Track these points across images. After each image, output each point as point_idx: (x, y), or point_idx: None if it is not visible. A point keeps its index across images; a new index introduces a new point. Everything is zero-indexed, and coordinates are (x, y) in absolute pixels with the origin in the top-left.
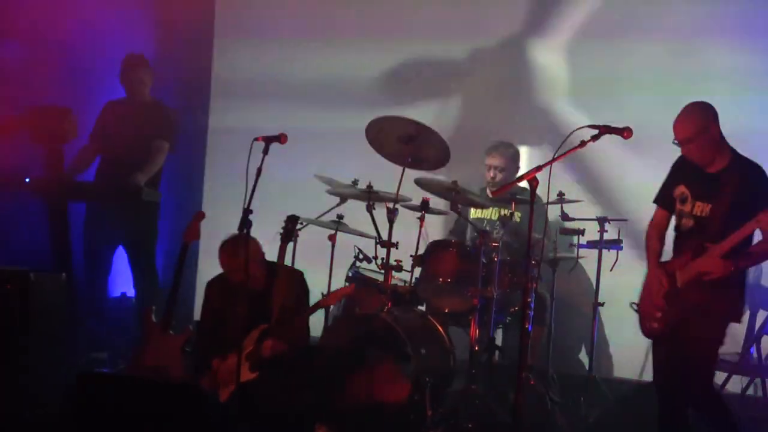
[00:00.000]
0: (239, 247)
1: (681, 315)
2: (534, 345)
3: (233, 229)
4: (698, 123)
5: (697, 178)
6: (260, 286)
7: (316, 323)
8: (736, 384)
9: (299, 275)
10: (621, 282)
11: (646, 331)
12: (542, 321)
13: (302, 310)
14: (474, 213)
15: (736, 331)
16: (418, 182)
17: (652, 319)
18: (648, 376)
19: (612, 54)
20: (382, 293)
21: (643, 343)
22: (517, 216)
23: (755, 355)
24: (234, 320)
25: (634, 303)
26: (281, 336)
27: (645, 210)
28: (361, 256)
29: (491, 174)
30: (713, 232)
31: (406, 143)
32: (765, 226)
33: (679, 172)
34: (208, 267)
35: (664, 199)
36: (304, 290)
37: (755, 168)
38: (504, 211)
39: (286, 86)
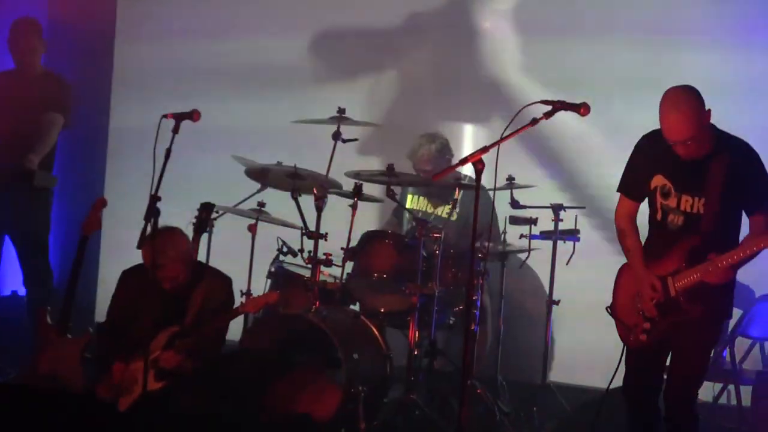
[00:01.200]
0: (168, 241)
1: (672, 327)
2: (480, 349)
3: (138, 219)
4: (697, 117)
5: (679, 167)
6: (181, 287)
7: (234, 325)
8: (707, 391)
9: (227, 282)
10: (578, 277)
11: (631, 344)
12: (486, 322)
13: (219, 319)
14: (410, 204)
15: None
16: (351, 174)
17: (639, 331)
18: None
19: (566, 17)
20: (309, 291)
21: (606, 346)
22: (456, 212)
23: (728, 359)
24: (145, 320)
25: (608, 307)
26: (190, 345)
27: (606, 196)
28: (285, 249)
29: (425, 167)
30: (706, 229)
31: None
32: None
33: (652, 159)
34: (111, 262)
35: (633, 188)
36: (229, 299)
37: (741, 146)
38: (444, 209)
39: (202, 54)
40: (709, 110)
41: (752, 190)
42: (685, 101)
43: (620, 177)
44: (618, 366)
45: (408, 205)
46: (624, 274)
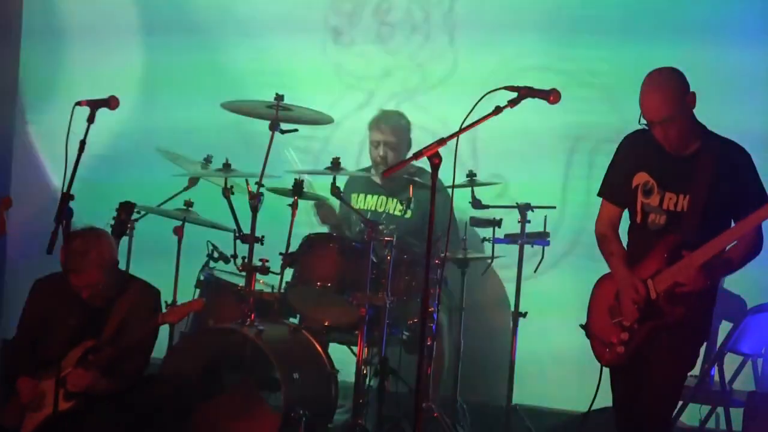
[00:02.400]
0: (88, 242)
1: (651, 334)
2: (438, 367)
3: (49, 220)
4: (680, 96)
5: (664, 163)
6: (102, 298)
7: (159, 340)
8: (693, 414)
9: (154, 294)
10: (548, 286)
11: (606, 359)
12: (444, 337)
13: (137, 332)
14: (356, 203)
15: None
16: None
17: (616, 343)
18: (583, 405)
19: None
20: (243, 302)
21: (579, 364)
22: (410, 209)
23: (716, 378)
24: (60, 334)
25: (583, 326)
26: (104, 362)
27: (580, 194)
28: (215, 254)
29: (379, 152)
30: (690, 229)
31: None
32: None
33: (636, 156)
34: (18, 271)
35: (616, 191)
36: (155, 311)
37: (732, 145)
38: (397, 201)
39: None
40: (693, 93)
41: (741, 194)
42: (664, 79)
43: (602, 181)
44: (597, 388)
45: (355, 204)
46: (600, 287)
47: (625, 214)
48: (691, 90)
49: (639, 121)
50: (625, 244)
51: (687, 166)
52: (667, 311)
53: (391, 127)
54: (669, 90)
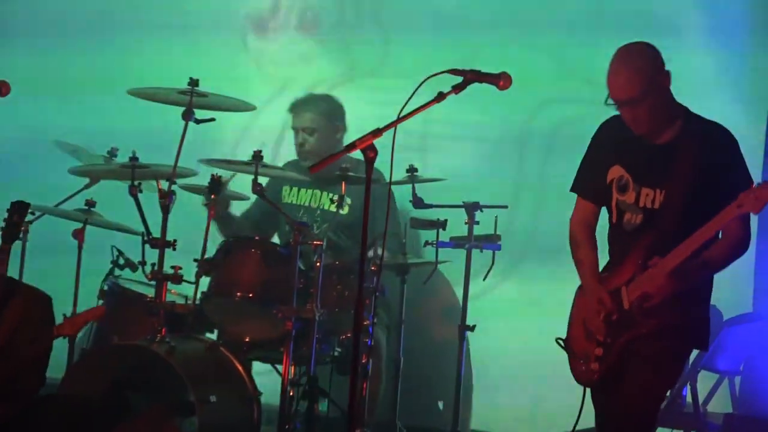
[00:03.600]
0: None
1: (628, 347)
2: (374, 388)
3: None
4: (649, 74)
5: (639, 155)
6: None
7: (58, 358)
8: None
9: (45, 301)
10: (499, 295)
11: (583, 377)
12: (379, 355)
13: (35, 350)
14: (288, 197)
15: None
16: (207, 161)
17: (590, 359)
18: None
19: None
20: (153, 314)
21: (537, 384)
22: (347, 204)
23: (689, 399)
24: None
25: (560, 339)
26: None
27: (536, 191)
28: (121, 261)
29: (299, 140)
30: (666, 229)
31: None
32: (748, 208)
33: (609, 148)
34: None
35: (590, 186)
36: (47, 321)
37: (717, 129)
38: (331, 196)
39: None
40: (668, 72)
41: (724, 185)
42: (633, 54)
43: (575, 176)
44: (581, 409)
45: (287, 198)
46: (579, 296)
47: None
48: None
49: (606, 101)
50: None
51: (664, 156)
52: (640, 320)
53: (312, 111)
54: (637, 66)
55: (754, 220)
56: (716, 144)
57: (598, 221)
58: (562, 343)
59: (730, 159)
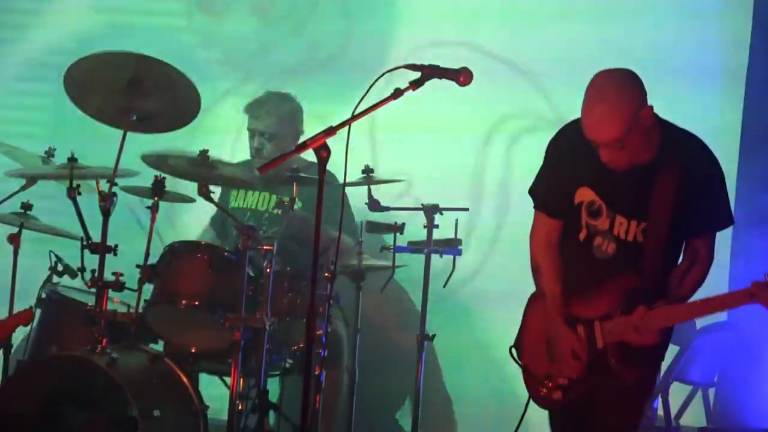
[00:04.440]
0: None
1: (597, 384)
2: (329, 401)
3: None
4: (631, 113)
5: (612, 178)
6: None
7: None
8: None
9: None
10: (460, 303)
11: (541, 402)
12: (339, 364)
13: None
14: (235, 200)
15: None
16: (148, 159)
17: (552, 386)
18: None
19: None
20: (93, 324)
21: (499, 396)
22: (299, 205)
23: (660, 412)
24: None
25: (513, 347)
26: None
27: (498, 193)
28: (59, 267)
29: (255, 144)
30: (650, 271)
31: (127, 91)
32: (761, 301)
33: (574, 165)
34: None
35: (552, 202)
36: None
37: (695, 150)
38: (280, 198)
39: None
40: (650, 108)
41: (704, 208)
42: (614, 88)
43: (535, 188)
44: (520, 423)
45: (234, 202)
46: (535, 305)
47: None
48: (648, 103)
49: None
50: None
51: (642, 182)
52: (618, 371)
53: (272, 114)
54: (618, 105)
55: (726, 233)
56: (699, 169)
57: (560, 235)
58: (516, 355)
59: (711, 182)
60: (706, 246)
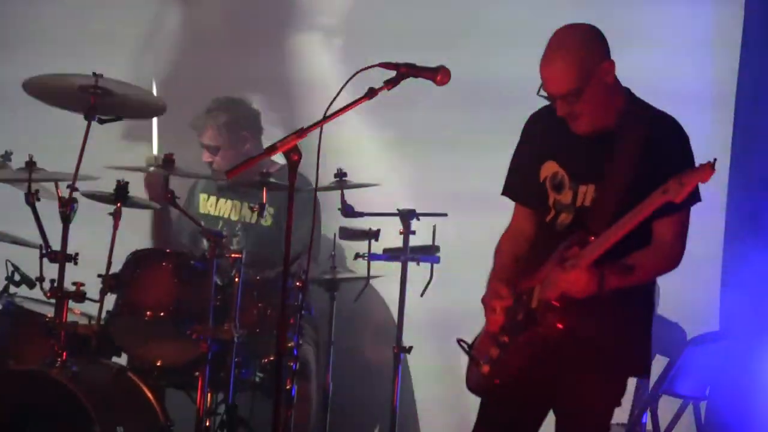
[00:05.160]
0: None
1: (538, 359)
2: (301, 416)
3: None
4: (590, 64)
5: (575, 148)
6: None
7: None
8: None
9: None
10: (439, 313)
11: (471, 382)
12: (308, 377)
13: None
14: (205, 206)
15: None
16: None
17: (483, 362)
18: None
19: None
20: (53, 336)
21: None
22: (269, 214)
23: (649, 426)
24: None
25: (463, 341)
26: None
27: (477, 198)
28: (17, 277)
29: (206, 158)
30: (596, 225)
31: (90, 90)
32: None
33: (542, 140)
34: None
35: (520, 187)
36: None
37: (662, 120)
38: (249, 206)
39: None
40: (611, 62)
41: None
42: (571, 40)
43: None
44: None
45: (204, 208)
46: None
47: None
48: (611, 57)
49: (538, 92)
50: None
51: (601, 147)
52: (541, 321)
53: (212, 128)
54: (575, 56)
55: (719, 229)
56: (663, 135)
57: (534, 229)
58: (466, 346)
59: (677, 154)
60: (669, 229)
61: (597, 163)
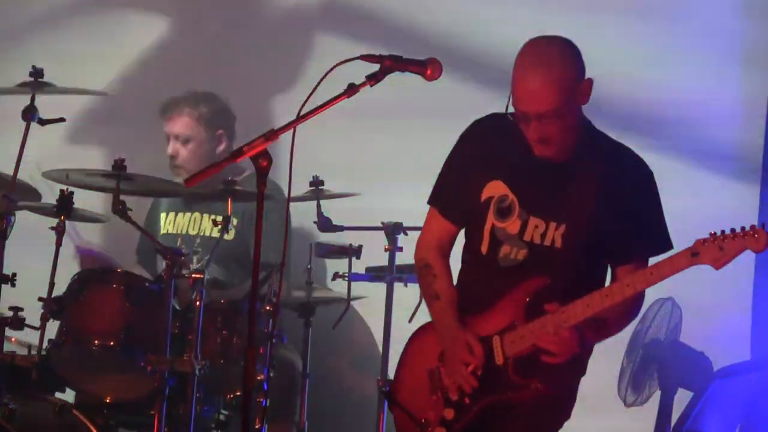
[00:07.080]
0: None
1: (488, 415)
2: None
3: None
4: (573, 82)
5: (530, 172)
6: None
7: None
8: None
9: None
10: None
11: None
12: (291, 413)
13: None
14: (164, 225)
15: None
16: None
17: (435, 423)
18: None
19: None
20: None
21: None
22: (233, 227)
23: None
24: None
25: (384, 387)
26: None
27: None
28: None
29: (170, 150)
30: (564, 272)
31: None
32: (707, 261)
33: (490, 155)
34: None
35: (453, 201)
36: None
37: (623, 155)
38: (213, 218)
39: None
40: (589, 81)
41: (629, 228)
42: (555, 54)
43: (435, 181)
44: None
45: (163, 228)
46: (419, 340)
47: None
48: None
49: (506, 109)
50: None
51: (561, 178)
52: (516, 382)
53: (189, 115)
54: (558, 72)
55: (750, 255)
56: (625, 168)
57: (452, 247)
58: (386, 394)
59: (642, 205)
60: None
61: (555, 196)
